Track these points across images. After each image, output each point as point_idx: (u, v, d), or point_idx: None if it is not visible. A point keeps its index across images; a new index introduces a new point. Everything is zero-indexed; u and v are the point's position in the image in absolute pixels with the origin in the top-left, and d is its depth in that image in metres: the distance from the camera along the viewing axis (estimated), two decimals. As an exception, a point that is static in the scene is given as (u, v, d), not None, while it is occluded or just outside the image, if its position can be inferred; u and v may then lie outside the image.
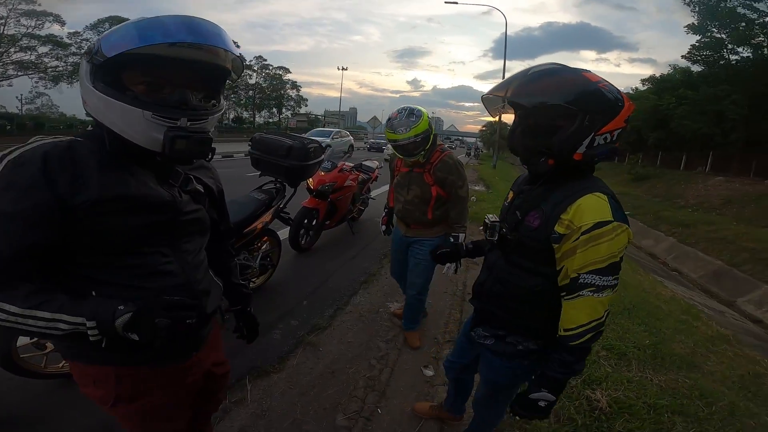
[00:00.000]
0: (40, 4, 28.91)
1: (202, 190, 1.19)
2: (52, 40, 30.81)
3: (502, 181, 17.01)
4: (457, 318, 3.60)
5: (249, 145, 3.79)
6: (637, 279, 6.22)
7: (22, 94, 32.64)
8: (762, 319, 7.34)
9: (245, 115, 57.25)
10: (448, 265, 2.54)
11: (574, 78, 1.18)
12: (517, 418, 1.39)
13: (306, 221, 4.90)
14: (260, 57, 56.86)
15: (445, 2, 24.53)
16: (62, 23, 31.19)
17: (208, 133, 1.03)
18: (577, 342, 1.22)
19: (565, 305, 1.25)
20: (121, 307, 0.90)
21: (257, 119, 57.35)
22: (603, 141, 1.18)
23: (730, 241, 11.33)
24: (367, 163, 6.98)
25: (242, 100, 56.41)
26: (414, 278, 2.95)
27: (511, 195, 1.52)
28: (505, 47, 23.24)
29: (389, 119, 2.70)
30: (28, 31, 29.10)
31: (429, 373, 2.80)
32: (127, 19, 1.01)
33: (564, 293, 1.24)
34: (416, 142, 2.61)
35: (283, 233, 4.66)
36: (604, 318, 1.22)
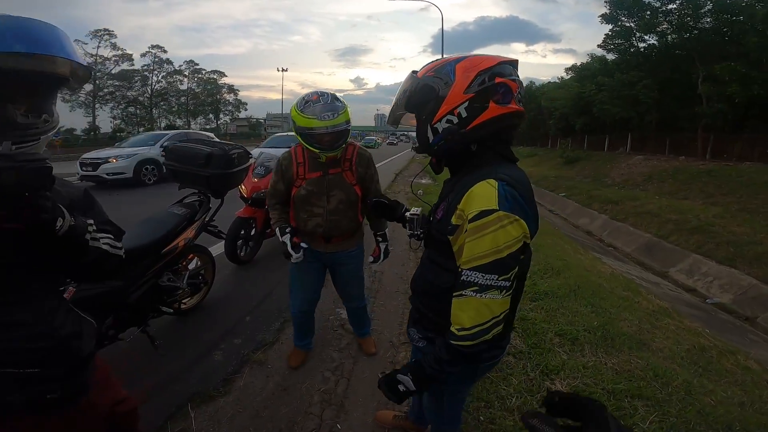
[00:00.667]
0: None
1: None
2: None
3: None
4: (412, 317, 3.48)
5: (162, 155, 3.46)
6: (578, 258, 6.44)
7: None
8: (695, 288, 7.90)
9: (179, 123, 54.51)
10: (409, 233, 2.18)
11: (408, 84, 1.26)
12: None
13: (243, 232, 4.60)
14: (191, 61, 55.04)
15: (384, -2, 24.48)
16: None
17: (46, 161, 0.81)
18: (457, 343, 1.08)
19: (453, 303, 1.11)
20: None
21: (193, 126, 54.40)
22: (449, 123, 1.18)
23: (655, 214, 12.19)
24: None
25: (174, 107, 54.06)
26: (352, 290, 2.71)
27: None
28: (442, 42, 23.69)
29: (306, 102, 2.21)
30: None
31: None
32: None
33: (454, 290, 1.11)
34: (347, 131, 2.26)
35: (220, 247, 4.38)
36: (489, 325, 1.05)
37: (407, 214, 1.43)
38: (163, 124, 53.21)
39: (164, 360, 2.70)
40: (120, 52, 48.23)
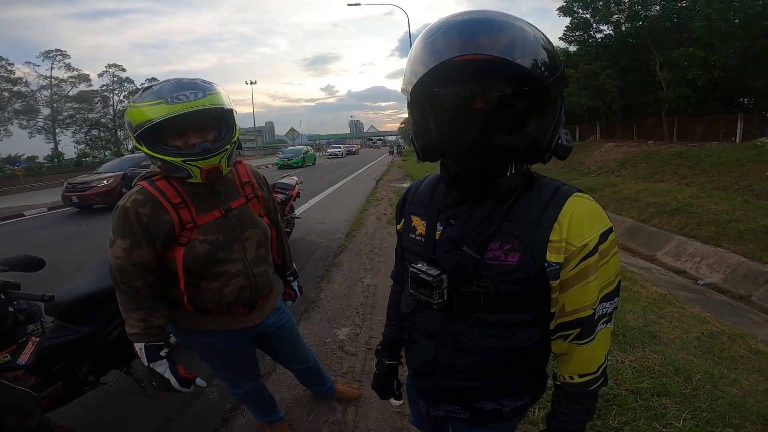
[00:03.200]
0: None
1: None
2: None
3: (428, 173, 17.31)
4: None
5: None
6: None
7: None
8: (684, 270, 7.94)
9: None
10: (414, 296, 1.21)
11: (542, 36, 0.81)
12: None
13: None
14: (153, 79, 53.41)
15: (348, 5, 24.82)
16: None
17: None
18: (597, 385, 0.94)
19: (581, 350, 0.92)
20: None
21: None
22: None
23: (634, 199, 12.36)
24: (284, 180, 6.44)
25: None
26: (297, 353, 2.08)
27: (419, 223, 1.04)
28: (410, 45, 23.84)
29: (146, 89, 1.40)
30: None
31: (396, 402, 2.45)
32: None
33: (568, 334, 0.92)
34: (227, 119, 1.46)
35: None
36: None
37: (419, 273, 0.94)
38: (130, 146, 51.52)
39: (154, 403, 2.48)
40: (76, 72, 46.36)
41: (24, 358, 1.82)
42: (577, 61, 26.70)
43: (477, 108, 0.81)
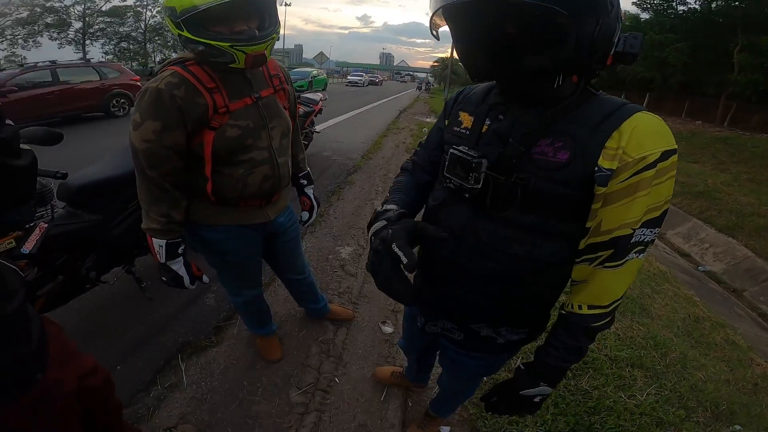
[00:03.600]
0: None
1: None
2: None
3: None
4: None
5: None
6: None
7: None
8: (689, 253, 7.87)
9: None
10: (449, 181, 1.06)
11: None
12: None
13: None
14: None
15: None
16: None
17: None
18: (602, 323, 0.89)
19: (604, 275, 0.86)
20: None
21: None
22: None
23: (662, 175, 11.94)
24: (309, 95, 6.42)
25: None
26: (297, 260, 2.08)
27: (467, 118, 1.01)
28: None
29: None
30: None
31: (388, 329, 2.57)
32: None
33: (597, 257, 0.86)
34: (269, 9, 1.44)
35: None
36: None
37: (456, 151, 0.92)
38: (157, 59, 51.35)
39: (151, 305, 2.55)
40: None
41: (29, 247, 1.64)
42: (645, 29, 24.84)
43: (497, 36, 0.84)
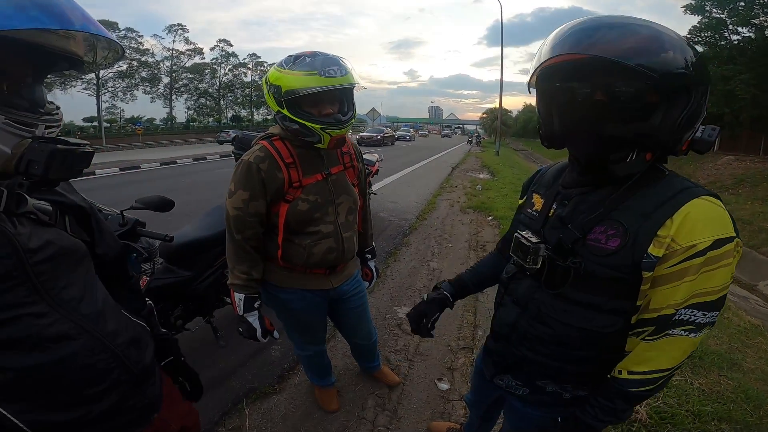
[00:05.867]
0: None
1: (49, 206, 0.80)
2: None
3: (507, 167, 16.67)
4: (471, 321, 3.33)
5: (232, 145, 3.53)
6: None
7: None
8: (786, 304, 7.04)
9: (243, 113, 58.06)
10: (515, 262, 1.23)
11: (668, 35, 0.81)
12: None
13: None
14: (254, 54, 59.10)
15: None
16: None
17: (86, 145, 0.74)
18: (640, 389, 0.92)
19: (642, 345, 0.92)
20: None
21: (255, 117, 58.99)
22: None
23: (747, 221, 10.98)
24: (366, 156, 6.70)
25: (239, 98, 57.18)
26: (365, 326, 2.17)
27: (538, 200, 1.11)
28: (501, 34, 23.22)
29: (297, 58, 1.48)
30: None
31: (444, 386, 2.53)
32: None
33: (643, 331, 0.92)
34: (352, 94, 1.61)
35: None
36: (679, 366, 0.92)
37: (523, 239, 1.03)
38: (229, 115, 56.72)
39: (223, 353, 2.73)
40: (192, 46, 52.68)
41: None
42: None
43: (584, 100, 0.89)
